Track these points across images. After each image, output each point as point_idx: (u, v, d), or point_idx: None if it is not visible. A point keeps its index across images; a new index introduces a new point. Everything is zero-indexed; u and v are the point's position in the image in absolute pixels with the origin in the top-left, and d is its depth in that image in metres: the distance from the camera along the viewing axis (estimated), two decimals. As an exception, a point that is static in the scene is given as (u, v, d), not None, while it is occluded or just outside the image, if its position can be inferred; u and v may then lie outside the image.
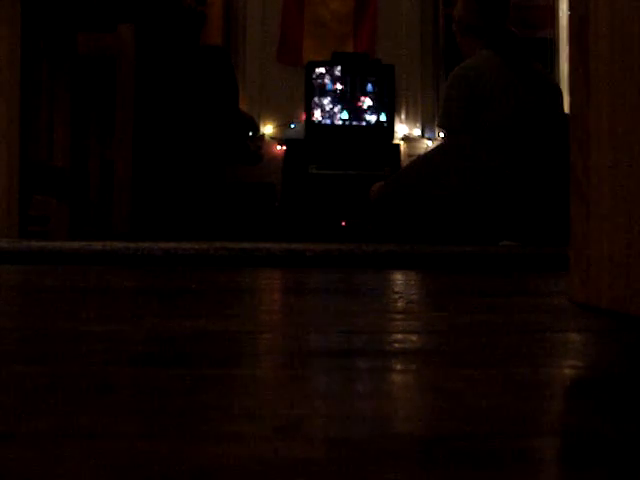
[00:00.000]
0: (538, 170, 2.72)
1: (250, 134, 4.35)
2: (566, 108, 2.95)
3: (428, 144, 5.30)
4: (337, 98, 5.00)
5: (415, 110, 5.47)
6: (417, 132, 5.46)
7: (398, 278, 1.43)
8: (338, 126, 4.95)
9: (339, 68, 5.00)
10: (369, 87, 5.01)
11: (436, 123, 3.02)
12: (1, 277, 1.34)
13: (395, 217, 2.87)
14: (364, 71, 5.02)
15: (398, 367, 0.50)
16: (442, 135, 3.06)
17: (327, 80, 5.00)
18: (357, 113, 4.99)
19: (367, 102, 5.00)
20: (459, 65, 2.87)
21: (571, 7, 0.58)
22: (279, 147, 5.22)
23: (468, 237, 2.66)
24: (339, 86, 5.00)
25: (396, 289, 1.21)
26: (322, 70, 5.00)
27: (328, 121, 4.97)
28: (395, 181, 2.96)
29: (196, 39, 3.57)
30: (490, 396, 0.41)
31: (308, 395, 0.42)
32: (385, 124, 4.99)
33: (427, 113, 5.46)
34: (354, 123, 4.96)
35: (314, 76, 4.99)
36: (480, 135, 2.74)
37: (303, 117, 5.08)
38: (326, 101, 4.99)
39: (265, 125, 5.36)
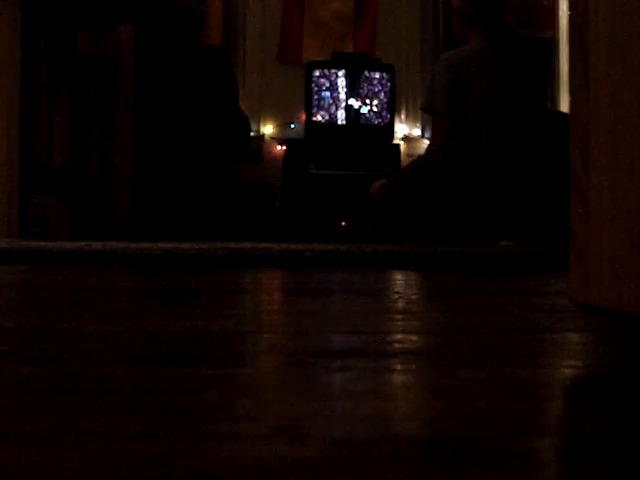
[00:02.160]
0: (538, 170, 2.72)
1: (251, 134, 4.36)
2: (566, 108, 2.95)
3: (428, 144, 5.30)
4: (337, 98, 5.00)
5: (415, 110, 5.46)
6: (417, 132, 5.46)
7: (398, 278, 1.43)
8: (338, 126, 4.95)
9: (339, 68, 5.00)
10: (369, 87, 5.01)
11: (419, 105, 3.06)
12: (1, 277, 1.34)
13: (395, 216, 2.87)
14: (364, 71, 5.02)
15: (398, 367, 0.50)
16: (429, 127, 3.08)
17: (327, 80, 5.00)
18: (357, 113, 4.99)
19: (367, 102, 5.00)
20: (446, 52, 2.92)
21: (571, 7, 0.58)
22: (279, 147, 5.22)
23: (468, 237, 2.66)
24: (339, 86, 5.00)
25: (396, 289, 1.21)
26: (322, 70, 5.00)
27: (328, 121, 4.97)
28: (395, 181, 2.96)
29: (196, 39, 3.58)
30: (490, 396, 0.41)
31: (308, 395, 0.42)
32: (385, 124, 4.99)
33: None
34: (354, 123, 4.96)
35: (314, 76, 4.99)
36: (468, 131, 2.75)
37: (303, 117, 5.08)
38: (326, 101, 4.99)
39: (265, 125, 5.36)
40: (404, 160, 4.92)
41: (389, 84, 5.01)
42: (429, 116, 5.38)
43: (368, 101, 5.00)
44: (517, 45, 2.91)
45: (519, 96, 2.78)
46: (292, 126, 5.29)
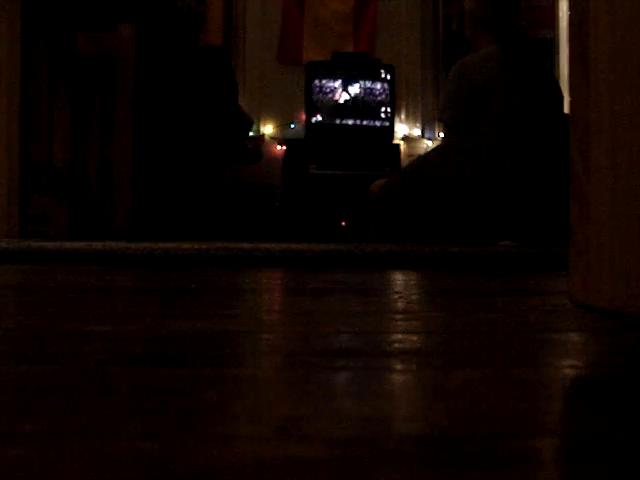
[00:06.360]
0: (538, 170, 2.72)
1: (251, 133, 4.35)
2: (566, 108, 2.95)
3: (428, 144, 5.30)
4: (337, 98, 5.00)
5: (415, 110, 5.46)
6: (417, 132, 5.46)
7: (398, 278, 1.43)
8: (338, 126, 4.95)
9: (339, 68, 5.00)
10: (369, 87, 5.01)
11: (437, 118, 3.06)
12: (1, 277, 1.34)
13: (395, 216, 2.87)
14: (364, 71, 5.02)
15: (398, 367, 0.50)
16: (442, 134, 3.07)
17: (327, 80, 5.00)
18: (357, 113, 4.99)
19: (367, 102, 5.00)
20: (461, 59, 2.89)
21: (571, 7, 0.58)
22: (279, 147, 5.22)
23: (468, 237, 2.66)
24: (339, 86, 5.00)
25: (396, 289, 1.21)
26: (322, 70, 5.00)
27: (328, 121, 4.96)
28: (395, 181, 2.96)
29: (196, 39, 3.57)
30: (490, 396, 0.41)
31: (308, 395, 0.42)
32: (385, 124, 4.99)
33: (427, 113, 5.46)
34: (354, 123, 4.96)
35: (314, 76, 4.98)
36: (479, 132, 2.75)
37: (303, 117, 5.07)
38: (326, 101, 4.99)
39: (265, 125, 5.35)
40: (404, 160, 4.92)
41: (389, 84, 5.01)
42: (432, 117, 5.39)
43: (368, 101, 5.00)
44: (530, 52, 2.89)
45: (534, 103, 2.77)
46: (292, 126, 5.28)
